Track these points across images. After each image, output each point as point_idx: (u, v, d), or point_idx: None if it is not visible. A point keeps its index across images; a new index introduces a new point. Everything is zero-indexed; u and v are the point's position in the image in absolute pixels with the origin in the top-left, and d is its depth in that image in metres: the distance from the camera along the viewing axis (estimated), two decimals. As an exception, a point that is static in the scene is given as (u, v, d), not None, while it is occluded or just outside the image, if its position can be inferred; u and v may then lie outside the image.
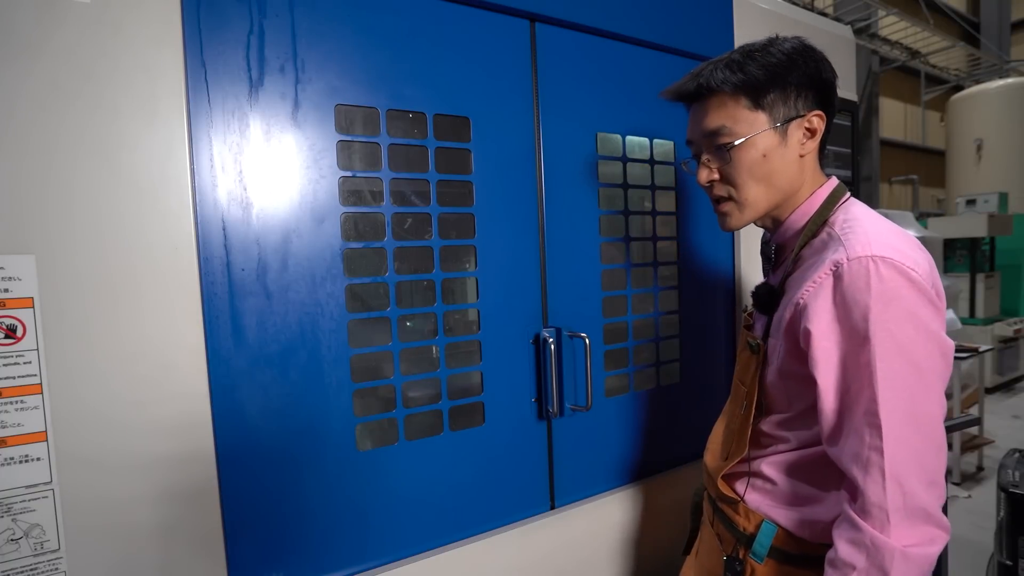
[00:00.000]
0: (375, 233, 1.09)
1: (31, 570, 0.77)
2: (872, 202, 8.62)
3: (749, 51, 0.89)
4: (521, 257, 1.22)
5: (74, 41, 0.78)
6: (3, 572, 0.76)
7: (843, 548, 0.77)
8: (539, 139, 1.25)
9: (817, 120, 0.89)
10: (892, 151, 9.71)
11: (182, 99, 0.86)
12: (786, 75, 0.87)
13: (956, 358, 3.68)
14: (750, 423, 0.94)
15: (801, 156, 0.91)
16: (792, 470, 0.90)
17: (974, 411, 4.11)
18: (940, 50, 8.85)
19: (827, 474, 0.86)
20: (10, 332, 0.76)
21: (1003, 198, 6.11)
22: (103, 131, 0.81)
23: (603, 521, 1.32)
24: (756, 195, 0.92)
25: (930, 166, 10.29)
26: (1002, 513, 1.75)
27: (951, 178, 8.34)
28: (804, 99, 0.89)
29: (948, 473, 2.75)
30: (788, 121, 0.88)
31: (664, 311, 1.47)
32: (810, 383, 0.82)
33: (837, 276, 0.78)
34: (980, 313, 5.73)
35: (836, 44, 1.86)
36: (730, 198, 0.94)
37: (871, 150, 8.68)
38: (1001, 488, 1.75)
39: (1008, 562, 1.73)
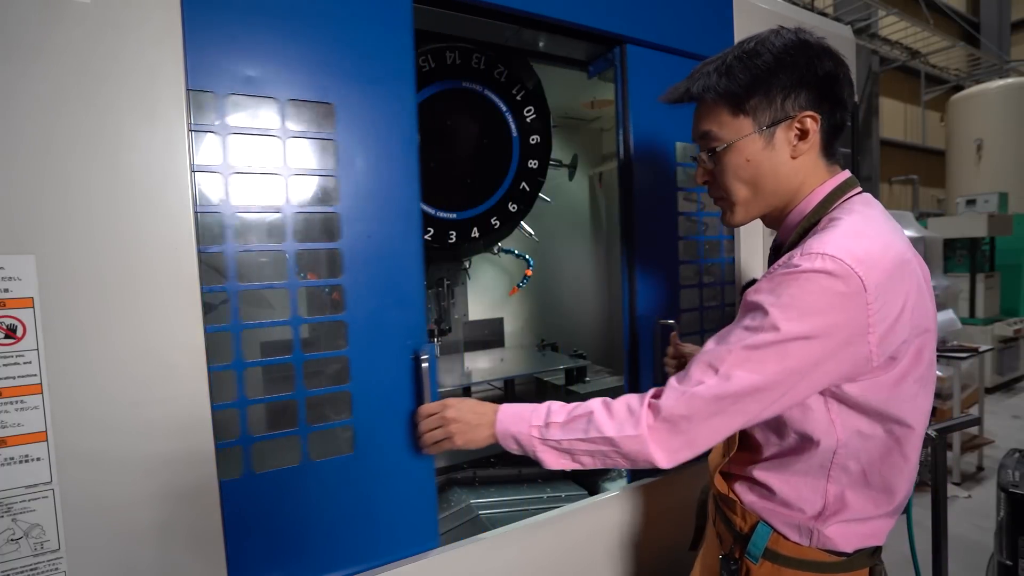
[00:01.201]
0: (212, 237, 0.92)
1: (31, 570, 0.77)
2: (872, 202, 8.60)
3: (740, 52, 0.88)
4: (400, 263, 1.05)
5: (74, 41, 0.78)
6: (3, 572, 0.76)
7: (620, 401, 0.89)
8: (628, 141, 1.36)
9: (809, 121, 0.87)
10: (892, 151, 9.71)
11: (182, 99, 0.86)
12: (770, 79, 0.86)
13: (956, 358, 3.68)
14: None
15: (793, 158, 0.89)
16: (783, 475, 0.90)
17: (974, 411, 4.11)
18: (940, 50, 8.85)
19: (817, 483, 0.87)
20: (10, 332, 0.76)
21: (1003, 198, 6.11)
22: (103, 131, 0.80)
23: (603, 522, 1.32)
24: (745, 197, 0.93)
25: (930, 166, 10.29)
26: (1002, 513, 1.75)
27: (951, 178, 8.34)
28: (793, 100, 0.87)
29: (948, 473, 2.75)
30: (775, 124, 0.87)
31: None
32: None
33: (786, 266, 0.80)
34: (980, 313, 5.73)
35: (836, 44, 1.83)
36: (723, 198, 0.96)
37: (871, 150, 8.67)
38: (1001, 488, 1.75)
39: (1008, 562, 1.73)
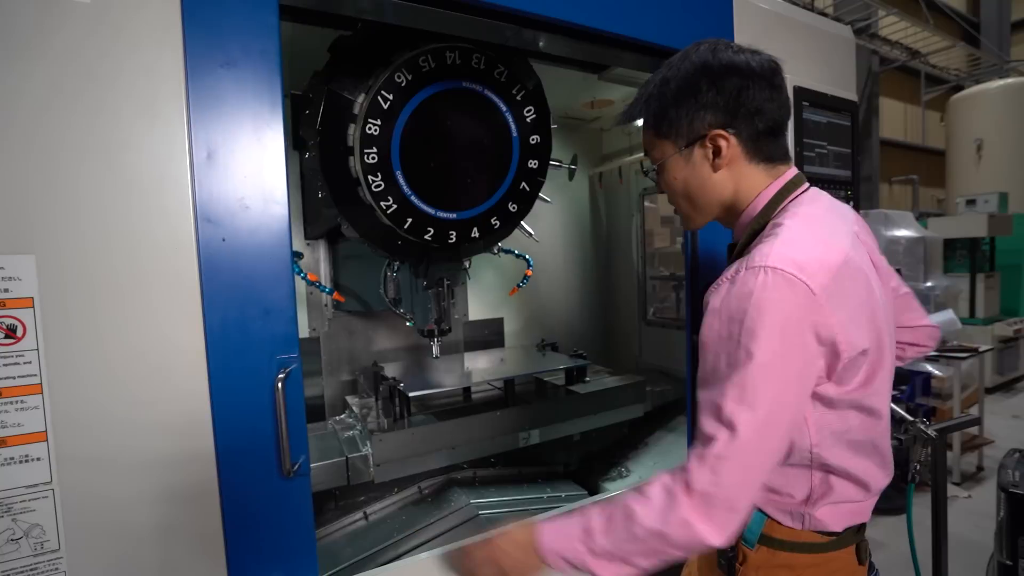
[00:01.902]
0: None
1: (31, 570, 0.78)
2: (872, 202, 8.62)
3: (659, 79, 0.93)
4: (263, 269, 0.93)
5: (75, 41, 0.78)
6: (3, 572, 0.76)
7: (655, 486, 0.82)
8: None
9: (720, 139, 0.89)
10: (892, 151, 9.71)
11: (182, 99, 0.86)
12: (677, 106, 0.90)
13: (956, 358, 3.67)
14: None
15: (716, 171, 0.92)
16: None
17: (974, 411, 4.11)
18: (940, 50, 8.86)
19: (801, 473, 0.89)
20: (10, 332, 0.76)
21: (1003, 198, 6.10)
22: (103, 131, 0.81)
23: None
24: (686, 209, 1.00)
25: (930, 166, 10.29)
26: (1002, 513, 1.75)
27: (951, 178, 8.34)
28: (700, 121, 0.89)
29: (948, 473, 2.75)
30: (690, 145, 0.91)
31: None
32: None
33: (732, 282, 0.82)
34: (980, 313, 5.73)
35: (836, 44, 1.86)
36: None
37: (871, 150, 8.68)
38: (1001, 488, 1.75)
39: (1008, 562, 1.73)
